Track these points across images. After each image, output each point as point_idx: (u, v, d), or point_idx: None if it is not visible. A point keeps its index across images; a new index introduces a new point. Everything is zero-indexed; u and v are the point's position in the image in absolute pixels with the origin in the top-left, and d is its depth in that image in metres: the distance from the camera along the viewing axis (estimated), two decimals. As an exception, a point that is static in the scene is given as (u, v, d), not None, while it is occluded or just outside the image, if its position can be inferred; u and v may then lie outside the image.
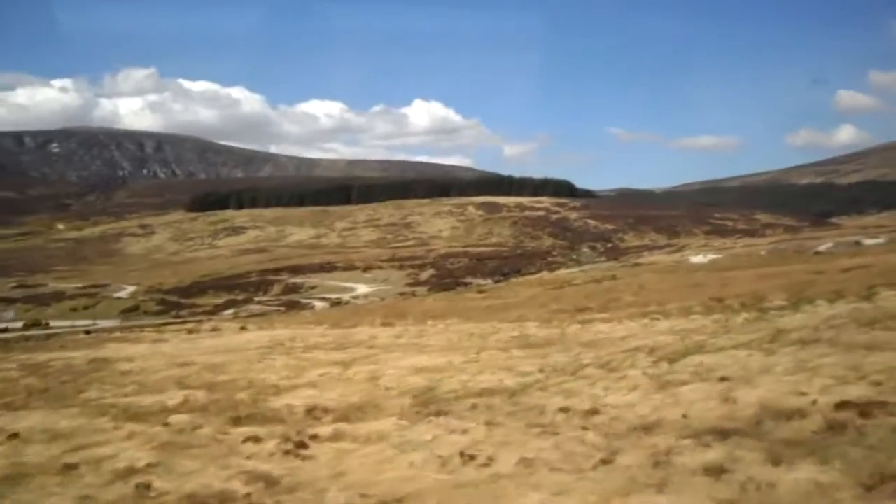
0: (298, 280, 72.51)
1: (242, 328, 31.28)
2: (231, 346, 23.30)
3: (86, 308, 63.28)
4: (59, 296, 71.50)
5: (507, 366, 10.85)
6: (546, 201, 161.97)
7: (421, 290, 63.64)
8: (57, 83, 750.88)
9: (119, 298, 67.37)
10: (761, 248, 60.39)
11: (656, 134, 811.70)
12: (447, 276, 72.44)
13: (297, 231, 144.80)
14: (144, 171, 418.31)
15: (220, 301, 62.28)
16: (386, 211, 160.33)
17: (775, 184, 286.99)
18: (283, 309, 53.98)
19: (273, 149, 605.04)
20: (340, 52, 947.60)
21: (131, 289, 75.92)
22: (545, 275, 64.67)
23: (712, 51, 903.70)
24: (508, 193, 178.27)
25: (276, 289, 68.41)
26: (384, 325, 28.48)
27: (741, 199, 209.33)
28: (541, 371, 9.76)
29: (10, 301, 69.24)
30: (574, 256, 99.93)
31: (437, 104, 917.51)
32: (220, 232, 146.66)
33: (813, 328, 9.33)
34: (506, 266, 79.10)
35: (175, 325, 38.52)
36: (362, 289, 66.87)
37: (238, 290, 67.73)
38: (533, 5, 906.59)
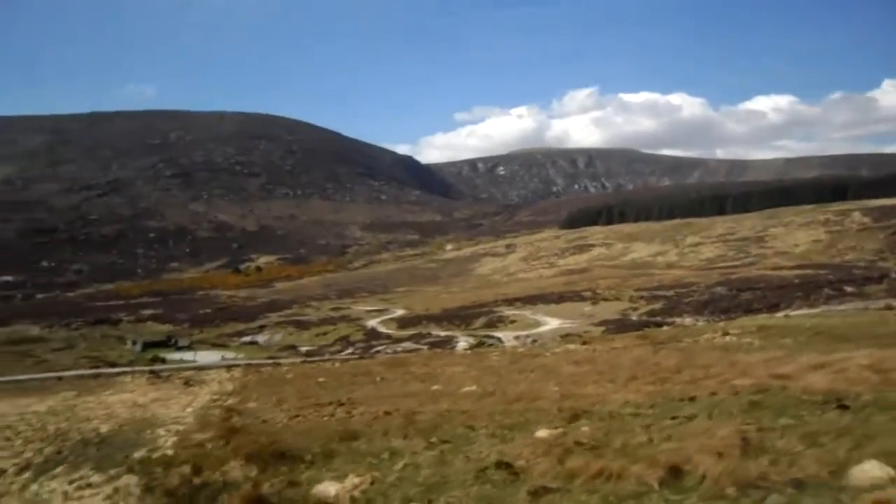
0: (511, 312, 70.41)
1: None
2: None
3: (325, 334, 72.13)
4: (338, 320, 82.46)
5: None
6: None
7: (597, 329, 56.30)
8: (515, 111, 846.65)
9: (360, 327, 74.69)
10: None
11: None
12: (661, 313, 62.32)
13: (641, 248, 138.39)
14: (575, 187, 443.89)
15: (407, 334, 64.65)
16: (749, 222, 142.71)
17: None
18: (424, 348, 53.72)
19: (719, 153, 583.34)
20: (783, 40, 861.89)
21: (397, 314, 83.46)
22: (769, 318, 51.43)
23: None
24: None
25: (480, 322, 67.79)
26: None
27: None
28: None
29: (296, 324, 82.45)
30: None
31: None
32: (568, 250, 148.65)
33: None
34: (761, 301, 64.15)
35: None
36: (551, 325, 61.94)
37: (446, 322, 69.10)
38: None
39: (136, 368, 44.59)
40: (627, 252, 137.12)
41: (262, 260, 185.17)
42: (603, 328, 57.09)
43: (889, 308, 49.92)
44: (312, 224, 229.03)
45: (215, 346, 64.57)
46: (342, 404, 26.43)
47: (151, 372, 44.47)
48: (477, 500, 7.33)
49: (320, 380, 35.27)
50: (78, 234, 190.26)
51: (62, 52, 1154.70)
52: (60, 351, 67.31)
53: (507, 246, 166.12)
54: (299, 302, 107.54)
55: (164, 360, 48.84)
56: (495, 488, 7.63)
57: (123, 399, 32.16)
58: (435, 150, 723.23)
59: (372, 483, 9.26)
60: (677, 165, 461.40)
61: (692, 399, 16.42)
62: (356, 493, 8.90)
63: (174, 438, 18.46)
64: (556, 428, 14.41)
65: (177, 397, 32.41)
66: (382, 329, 70.09)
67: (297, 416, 23.65)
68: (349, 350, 59.31)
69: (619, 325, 57.21)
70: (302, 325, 79.66)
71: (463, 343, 55.31)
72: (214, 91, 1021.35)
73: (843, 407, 11.00)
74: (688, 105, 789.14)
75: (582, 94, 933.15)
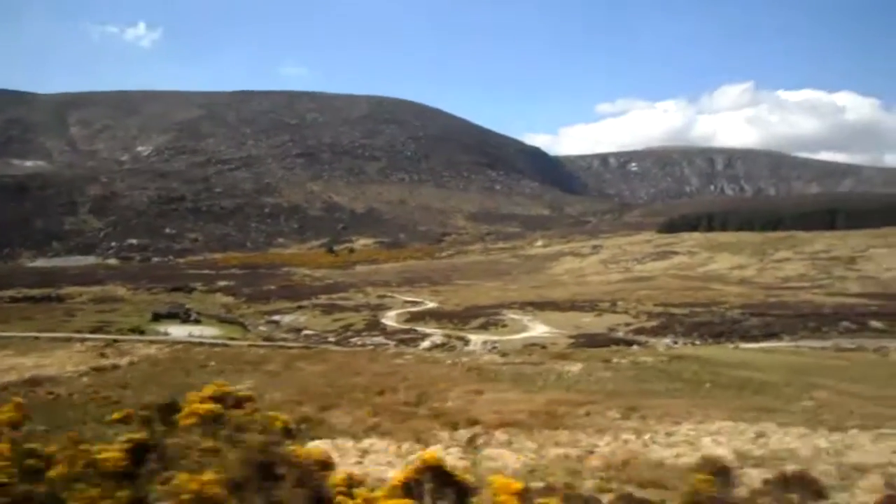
0: (513, 316, 70.47)
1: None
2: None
3: (339, 321, 75.97)
4: (367, 308, 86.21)
5: None
6: None
7: (566, 342, 55.96)
8: (661, 105, 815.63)
9: (373, 317, 77.64)
10: None
11: None
12: (649, 331, 60.44)
13: (724, 260, 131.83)
14: (711, 188, 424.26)
15: (399, 328, 66.81)
16: (854, 240, 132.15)
17: None
18: (391, 344, 55.83)
19: (888, 159, 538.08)
20: None
21: (424, 307, 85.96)
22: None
23: None
24: None
25: (477, 322, 68.52)
26: None
27: None
28: None
29: (328, 308, 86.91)
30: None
31: None
32: (650, 255, 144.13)
33: None
34: (764, 328, 60.68)
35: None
36: (532, 333, 61.81)
37: (447, 320, 70.53)
38: None
39: (104, 336, 50.24)
40: (707, 263, 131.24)
41: (361, 242, 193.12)
42: (573, 341, 56.81)
43: (851, 349, 46.75)
44: (419, 210, 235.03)
45: (224, 321, 69.91)
46: (123, 387, 29.91)
47: (115, 341, 50.16)
48: None
49: (212, 363, 38.96)
50: (202, 205, 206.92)
51: (231, 30, 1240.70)
52: (103, 313, 75.62)
53: (594, 247, 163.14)
54: (358, 286, 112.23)
55: (142, 332, 54.16)
56: None
57: (21, 362, 37.17)
58: (575, 141, 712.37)
59: None
60: (829, 171, 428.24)
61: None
62: None
63: None
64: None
65: (62, 364, 37.10)
66: (387, 321, 72.70)
67: (56, 395, 27.22)
68: (335, 338, 62.74)
69: (590, 340, 56.59)
70: (330, 310, 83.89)
71: (427, 343, 57.08)
72: (360, 73, 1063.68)
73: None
74: (856, 106, 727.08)
75: (736, 90, 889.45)
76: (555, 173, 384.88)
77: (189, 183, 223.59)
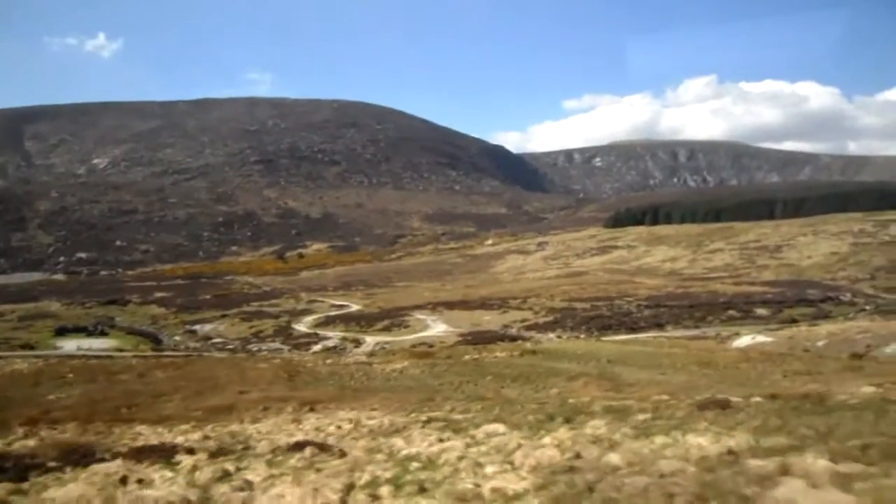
0: (420, 316, 72.13)
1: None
2: None
3: (252, 328, 77.24)
4: (290, 313, 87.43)
5: None
6: None
7: (455, 340, 57.79)
8: (627, 100, 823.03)
9: (285, 323, 78.82)
10: None
11: None
12: (542, 326, 62.48)
13: (660, 253, 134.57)
14: (675, 180, 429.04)
15: (304, 332, 68.28)
16: (785, 229, 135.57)
17: None
18: (285, 349, 57.35)
19: (852, 147, 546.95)
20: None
21: (346, 311, 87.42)
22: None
23: None
24: None
25: (382, 324, 70.09)
26: None
27: None
28: None
29: (250, 316, 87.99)
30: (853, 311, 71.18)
31: None
32: (591, 251, 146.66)
33: None
34: (651, 319, 62.98)
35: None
36: (429, 332, 63.57)
37: (354, 323, 72.06)
38: None
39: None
40: (643, 256, 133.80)
41: (315, 247, 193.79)
42: (461, 339, 58.55)
43: (700, 338, 48.94)
44: (376, 213, 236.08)
45: (134, 333, 70.85)
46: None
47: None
48: None
49: (70, 376, 40.08)
50: (154, 216, 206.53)
51: (195, 38, 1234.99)
52: (15, 330, 76.30)
53: (540, 244, 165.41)
54: (294, 292, 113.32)
55: (33, 347, 55.15)
56: None
57: None
58: (544, 138, 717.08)
59: None
60: (788, 160, 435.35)
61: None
62: None
63: None
64: None
65: None
66: (299, 326, 74.02)
67: None
68: (237, 344, 64.18)
69: (477, 337, 58.32)
70: (251, 317, 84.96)
71: (319, 346, 58.62)
72: (325, 78, 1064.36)
73: None
74: (817, 95, 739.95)
75: (699, 83, 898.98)
76: (519, 171, 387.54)
77: (142, 194, 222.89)
